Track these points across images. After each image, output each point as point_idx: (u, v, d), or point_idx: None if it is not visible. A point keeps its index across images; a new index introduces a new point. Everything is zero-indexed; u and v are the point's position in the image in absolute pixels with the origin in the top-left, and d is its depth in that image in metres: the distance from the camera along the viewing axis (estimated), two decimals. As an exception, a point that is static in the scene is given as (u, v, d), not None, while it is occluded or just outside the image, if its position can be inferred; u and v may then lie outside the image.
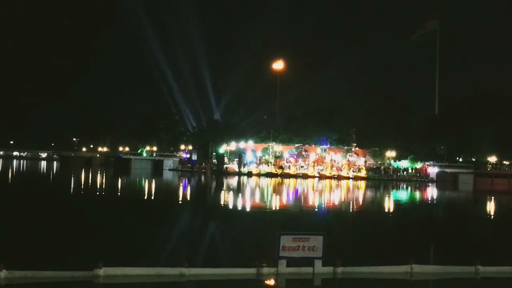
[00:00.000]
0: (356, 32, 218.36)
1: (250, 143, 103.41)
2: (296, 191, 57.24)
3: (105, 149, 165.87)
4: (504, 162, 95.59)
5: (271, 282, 13.06)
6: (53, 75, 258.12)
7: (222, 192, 52.90)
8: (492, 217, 38.71)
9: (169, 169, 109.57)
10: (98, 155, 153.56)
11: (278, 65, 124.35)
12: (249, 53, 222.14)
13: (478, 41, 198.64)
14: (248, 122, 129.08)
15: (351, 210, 38.61)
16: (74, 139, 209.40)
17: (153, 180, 72.41)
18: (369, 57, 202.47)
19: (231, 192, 51.67)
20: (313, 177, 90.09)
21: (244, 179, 79.92)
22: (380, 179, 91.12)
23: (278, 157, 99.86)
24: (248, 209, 34.76)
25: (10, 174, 77.73)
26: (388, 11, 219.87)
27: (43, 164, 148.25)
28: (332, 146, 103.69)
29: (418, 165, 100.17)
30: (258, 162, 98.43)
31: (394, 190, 67.27)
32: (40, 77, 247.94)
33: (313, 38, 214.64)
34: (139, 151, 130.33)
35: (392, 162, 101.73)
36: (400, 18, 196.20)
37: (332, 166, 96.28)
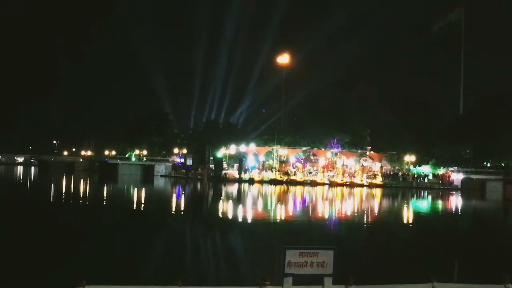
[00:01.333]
0: (372, 25, 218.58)
1: (252, 146, 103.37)
2: (303, 200, 57.21)
3: (89, 153, 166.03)
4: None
5: (276, 302, 13.04)
6: (31, 72, 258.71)
7: (221, 201, 52.89)
8: (524, 229, 38.65)
9: (161, 175, 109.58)
10: (81, 160, 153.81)
11: (284, 58, 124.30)
12: (251, 46, 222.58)
13: (509, 31, 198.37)
14: (249, 122, 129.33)
15: (365, 221, 38.56)
16: (55, 141, 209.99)
17: (143, 187, 72.44)
18: (386, 51, 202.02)
19: (231, 202, 51.67)
20: (323, 184, 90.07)
21: (245, 186, 79.94)
22: (398, 187, 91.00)
23: (283, 162, 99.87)
24: (249, 220, 34.75)
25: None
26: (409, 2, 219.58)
27: (20, 169, 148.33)
28: (344, 150, 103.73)
29: (441, 171, 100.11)
30: (261, 167, 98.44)
31: (414, 199, 67.20)
32: (16, 74, 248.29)
33: (324, 31, 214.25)
34: (127, 155, 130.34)
35: (411, 167, 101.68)
36: (420, 9, 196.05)
37: (344, 172, 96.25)
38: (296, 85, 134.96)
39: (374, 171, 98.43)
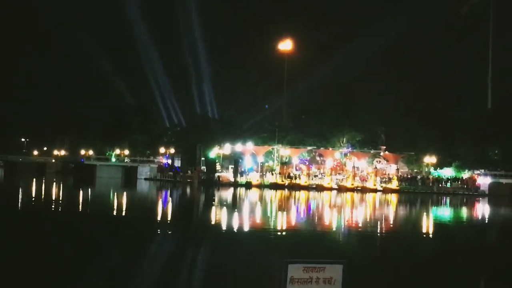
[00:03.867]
0: (391, 13, 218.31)
1: (250, 145, 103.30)
2: (308, 208, 57.34)
3: (62, 152, 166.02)
4: None
5: (276, 324, 13.16)
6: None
7: (213, 209, 52.97)
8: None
9: (145, 179, 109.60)
10: (53, 160, 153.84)
11: (286, 45, 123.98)
12: (249, 32, 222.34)
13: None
14: (247, 118, 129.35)
15: (378, 232, 38.66)
16: (23, 139, 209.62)
17: (124, 192, 72.49)
18: (404, 38, 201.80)
19: (225, 210, 51.75)
20: (330, 189, 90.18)
21: (242, 191, 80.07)
22: (417, 192, 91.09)
23: (285, 163, 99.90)
24: (246, 232, 34.87)
25: None
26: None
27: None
28: (355, 150, 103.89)
29: (465, 175, 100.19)
30: (259, 169, 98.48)
31: (435, 207, 67.37)
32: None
33: (332, 15, 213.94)
34: (106, 156, 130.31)
35: (432, 170, 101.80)
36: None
37: (354, 175, 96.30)
38: (300, 77, 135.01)
39: (389, 174, 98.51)
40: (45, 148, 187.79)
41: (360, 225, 42.20)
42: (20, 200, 54.97)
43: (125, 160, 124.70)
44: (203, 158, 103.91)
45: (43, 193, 66.29)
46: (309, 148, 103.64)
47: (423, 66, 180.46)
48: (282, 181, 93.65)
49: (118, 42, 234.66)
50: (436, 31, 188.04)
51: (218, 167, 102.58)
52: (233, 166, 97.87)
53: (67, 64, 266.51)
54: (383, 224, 43.90)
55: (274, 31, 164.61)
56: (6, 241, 25.80)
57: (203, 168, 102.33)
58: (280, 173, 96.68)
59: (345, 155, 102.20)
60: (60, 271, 19.34)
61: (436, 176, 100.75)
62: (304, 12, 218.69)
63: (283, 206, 57.60)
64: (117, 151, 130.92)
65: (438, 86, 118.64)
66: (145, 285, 17.94)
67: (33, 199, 57.46)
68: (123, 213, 47.11)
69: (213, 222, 41.21)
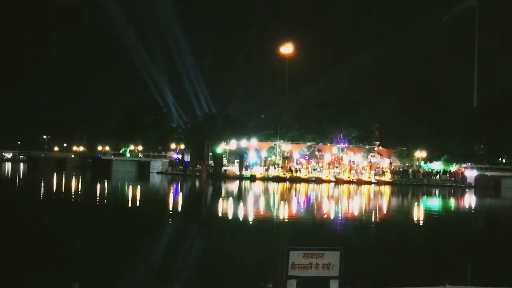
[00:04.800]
0: (382, 13, 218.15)
1: (254, 141, 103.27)
2: (308, 199, 57.27)
3: (81, 148, 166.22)
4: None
5: (278, 306, 13.08)
6: (19, 63, 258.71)
7: (221, 200, 52.95)
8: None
9: (157, 172, 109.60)
10: (72, 156, 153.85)
11: (287, 49, 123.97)
12: (253, 37, 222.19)
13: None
14: (251, 116, 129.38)
15: (373, 221, 38.62)
16: (45, 136, 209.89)
17: (138, 185, 72.48)
18: (396, 41, 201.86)
19: (231, 200, 51.72)
20: (328, 181, 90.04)
21: (247, 184, 79.98)
22: (408, 184, 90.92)
23: (286, 158, 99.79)
24: (251, 220, 34.81)
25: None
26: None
27: (8, 166, 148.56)
28: (351, 145, 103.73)
29: (453, 168, 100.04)
30: (263, 164, 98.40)
31: (425, 198, 67.20)
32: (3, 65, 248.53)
33: (330, 20, 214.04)
34: (121, 151, 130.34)
35: (422, 164, 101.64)
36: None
37: (350, 169, 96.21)
38: (301, 77, 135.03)
39: (382, 168, 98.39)
40: (65, 145, 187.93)
41: (356, 214, 42.16)
42: (43, 192, 55.02)
43: (139, 155, 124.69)
44: (210, 153, 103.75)
45: (64, 186, 66.33)
46: (308, 144, 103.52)
47: (415, 68, 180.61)
48: (284, 174, 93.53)
49: (134, 44, 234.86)
50: (427, 37, 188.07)
51: (224, 161, 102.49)
52: (238, 161, 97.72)
53: (86, 67, 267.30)
54: (377, 214, 43.87)
55: (277, 36, 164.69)
56: (36, 230, 25.81)
57: (211, 162, 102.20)
58: (282, 167, 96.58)
59: (342, 150, 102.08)
60: (89, 255, 19.33)
61: (426, 169, 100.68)
62: (305, 18, 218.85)
63: (285, 197, 57.51)
64: (132, 147, 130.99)
65: (429, 87, 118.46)
66: (164, 264, 17.90)
67: (55, 191, 57.53)
68: (140, 204, 47.13)
69: (220, 212, 41.20)
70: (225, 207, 44.64)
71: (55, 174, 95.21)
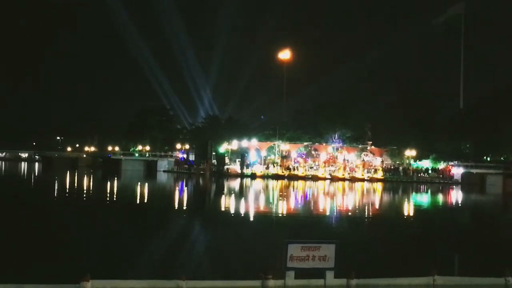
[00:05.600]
0: (374, 20, 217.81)
1: (254, 141, 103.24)
2: (305, 195, 57.23)
3: (92, 149, 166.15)
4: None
5: (278, 295, 13.06)
6: (32, 67, 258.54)
7: (223, 196, 52.93)
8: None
9: (164, 171, 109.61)
10: (84, 156, 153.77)
11: (285, 54, 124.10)
12: (254, 42, 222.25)
13: (509, 27, 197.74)
14: (252, 118, 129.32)
15: (366, 215, 38.59)
16: (58, 137, 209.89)
17: (146, 183, 72.48)
18: (387, 47, 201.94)
19: (233, 196, 51.70)
20: (324, 179, 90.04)
21: (247, 181, 79.94)
22: (399, 181, 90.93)
23: (285, 157, 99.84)
24: (252, 215, 34.79)
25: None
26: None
27: (24, 165, 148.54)
28: (345, 145, 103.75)
29: (441, 166, 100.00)
30: (262, 162, 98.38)
31: (415, 193, 67.19)
32: (17, 69, 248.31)
33: (325, 27, 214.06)
34: (130, 151, 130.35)
35: (412, 162, 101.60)
36: (422, 5, 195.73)
37: (345, 167, 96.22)
38: (298, 81, 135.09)
39: (375, 166, 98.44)
40: (77, 145, 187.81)
41: (350, 209, 42.14)
42: (58, 189, 54.99)
43: (147, 155, 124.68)
44: (214, 153, 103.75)
45: (77, 183, 66.32)
46: (305, 143, 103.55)
47: (406, 72, 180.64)
48: (283, 172, 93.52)
49: (141, 49, 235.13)
50: (417, 42, 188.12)
51: (226, 160, 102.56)
52: (240, 160, 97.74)
53: (97, 71, 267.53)
54: (370, 209, 43.84)
55: (276, 42, 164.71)
56: (53, 223, 25.79)
57: (214, 161, 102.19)
58: (280, 165, 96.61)
59: (337, 149, 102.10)
60: (103, 247, 19.32)
61: (416, 167, 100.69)
62: (301, 25, 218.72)
63: (284, 194, 57.48)
64: (140, 147, 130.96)
65: (418, 90, 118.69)
66: (170, 254, 17.90)
67: (70, 188, 57.49)
68: (149, 199, 47.09)
69: (223, 207, 41.20)
70: (227, 202, 44.64)
71: (68, 172, 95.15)
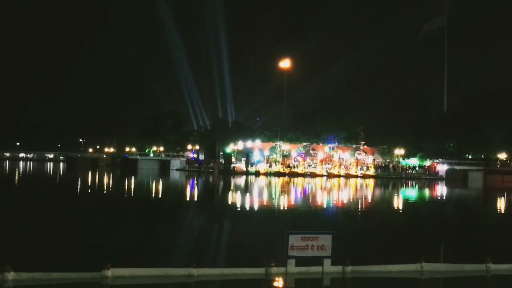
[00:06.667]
0: (365, 30, 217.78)
1: (258, 142, 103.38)
2: (304, 190, 57.19)
3: (111, 149, 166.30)
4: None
5: (280, 281, 13.06)
6: (57, 75, 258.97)
7: (230, 191, 52.92)
8: (502, 214, 38.51)
9: (176, 169, 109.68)
10: (104, 156, 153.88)
11: (285, 63, 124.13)
12: (257, 51, 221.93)
13: (489, 36, 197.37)
14: (255, 120, 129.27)
15: (360, 208, 38.53)
16: (81, 140, 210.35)
17: (160, 180, 72.52)
18: (377, 55, 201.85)
19: (239, 192, 51.70)
20: (321, 175, 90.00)
21: (252, 178, 79.92)
22: (389, 177, 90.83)
23: (285, 156, 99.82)
24: (256, 208, 34.77)
25: (17, 175, 78.08)
26: (398, 7, 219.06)
27: (50, 165, 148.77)
28: (340, 145, 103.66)
29: (427, 163, 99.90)
30: (265, 161, 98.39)
31: (403, 188, 67.09)
32: (42, 77, 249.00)
33: (322, 36, 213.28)
34: (145, 151, 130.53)
35: (401, 160, 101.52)
36: (409, 15, 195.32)
37: (340, 165, 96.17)
38: (297, 87, 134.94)
39: (367, 164, 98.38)
40: (97, 146, 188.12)
41: (345, 203, 42.09)
42: (82, 185, 55.01)
43: (161, 155, 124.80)
44: (221, 153, 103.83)
45: (98, 181, 66.37)
46: (304, 143, 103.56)
47: (395, 77, 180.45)
48: (284, 170, 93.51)
49: (155, 56, 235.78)
50: (405, 50, 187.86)
51: (233, 159, 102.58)
52: (245, 159, 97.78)
53: (115, 79, 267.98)
54: (363, 202, 43.77)
55: (276, 50, 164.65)
56: (80, 216, 25.82)
57: (222, 160, 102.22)
58: (282, 164, 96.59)
59: (333, 149, 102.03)
60: (122, 236, 19.33)
61: (404, 165, 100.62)
62: (302, 33, 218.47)
63: (285, 189, 57.46)
64: (154, 148, 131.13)
65: (407, 94, 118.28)
66: (183, 242, 17.90)
67: (92, 184, 57.53)
68: (164, 194, 47.15)
69: (230, 201, 41.19)
70: (234, 197, 44.63)
71: (90, 171, 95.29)
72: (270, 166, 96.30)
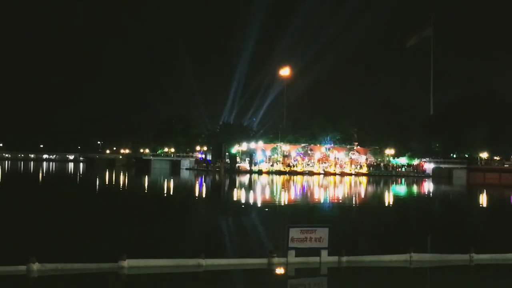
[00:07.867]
0: (357, 38, 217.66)
1: (260, 143, 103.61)
2: (303, 187, 57.16)
3: (127, 151, 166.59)
4: (495, 157, 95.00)
5: (281, 271, 13.05)
6: (77, 83, 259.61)
7: (235, 188, 52.92)
8: (485, 208, 38.44)
9: (186, 169, 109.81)
10: (120, 157, 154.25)
11: (285, 71, 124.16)
12: (259, 58, 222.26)
13: (473, 44, 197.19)
14: (258, 123, 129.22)
15: (354, 203, 38.49)
16: (99, 142, 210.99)
17: (172, 178, 72.58)
18: (368, 60, 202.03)
19: (244, 189, 51.70)
20: (319, 174, 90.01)
21: (255, 176, 79.92)
22: (380, 175, 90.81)
23: (286, 156, 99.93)
24: (259, 204, 34.75)
25: (41, 175, 78.21)
26: (386, 15, 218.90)
27: (71, 165, 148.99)
28: (336, 145, 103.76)
29: (415, 162, 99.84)
30: (267, 161, 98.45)
31: (394, 185, 66.99)
32: (65, 83, 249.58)
33: (318, 48, 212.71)
34: (158, 152, 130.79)
35: (391, 159, 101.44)
36: (397, 22, 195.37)
37: (336, 164, 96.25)
38: (296, 92, 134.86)
39: (360, 163, 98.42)
40: (114, 148, 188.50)
41: (340, 198, 42.05)
42: (101, 183, 55.07)
43: (172, 156, 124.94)
44: (227, 153, 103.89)
45: (116, 179, 66.45)
46: (303, 144, 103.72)
47: (386, 83, 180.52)
48: (284, 169, 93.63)
49: (167, 66, 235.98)
50: (395, 58, 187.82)
51: (238, 159, 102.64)
52: (248, 159, 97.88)
53: (131, 86, 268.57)
54: (357, 198, 43.73)
55: (274, 57, 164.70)
56: (100, 210, 25.83)
57: (227, 160, 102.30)
58: (282, 163, 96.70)
59: (329, 149, 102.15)
60: (137, 228, 19.33)
61: (394, 163, 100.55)
62: (301, 42, 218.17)
63: (285, 186, 57.43)
64: (166, 149, 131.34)
65: (397, 98, 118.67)
66: (191, 234, 17.89)
67: (110, 182, 57.59)
68: (176, 190, 47.13)
69: (235, 197, 41.17)
70: (239, 193, 44.62)
71: (107, 170, 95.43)
72: (272, 165, 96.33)
